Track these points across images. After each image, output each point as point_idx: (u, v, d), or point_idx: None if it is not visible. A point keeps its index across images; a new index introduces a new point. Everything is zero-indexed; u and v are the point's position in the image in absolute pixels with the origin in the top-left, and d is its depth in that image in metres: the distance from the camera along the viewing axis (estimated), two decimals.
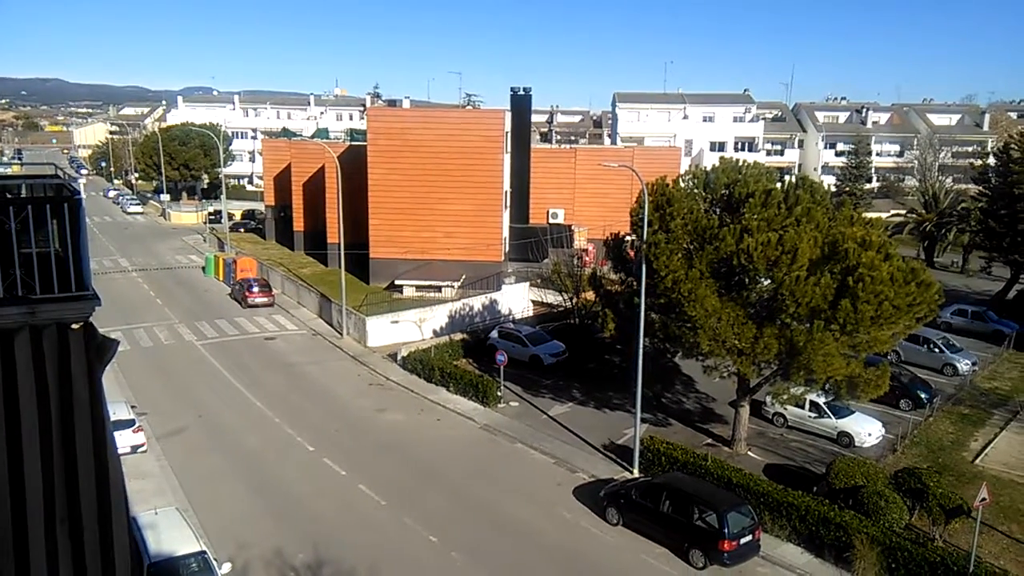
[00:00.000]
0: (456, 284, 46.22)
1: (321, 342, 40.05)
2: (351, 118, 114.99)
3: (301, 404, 31.14)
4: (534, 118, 69.53)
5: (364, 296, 43.18)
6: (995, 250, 49.69)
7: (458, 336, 38.15)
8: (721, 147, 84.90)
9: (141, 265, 58.15)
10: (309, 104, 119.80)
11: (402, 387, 33.34)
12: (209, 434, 28.00)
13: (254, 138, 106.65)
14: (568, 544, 21.16)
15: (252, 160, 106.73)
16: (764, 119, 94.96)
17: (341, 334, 40.41)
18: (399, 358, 35.93)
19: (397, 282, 46.87)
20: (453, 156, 46.73)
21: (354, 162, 49.24)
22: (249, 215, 78.71)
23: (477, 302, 42.77)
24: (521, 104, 53.69)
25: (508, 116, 50.23)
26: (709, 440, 27.87)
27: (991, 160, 53.23)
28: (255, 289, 46.37)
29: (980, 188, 52.30)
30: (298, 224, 61.24)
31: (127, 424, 25.32)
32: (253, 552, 20.10)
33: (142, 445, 25.59)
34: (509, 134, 49.65)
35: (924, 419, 29.41)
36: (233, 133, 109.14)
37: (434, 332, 39.79)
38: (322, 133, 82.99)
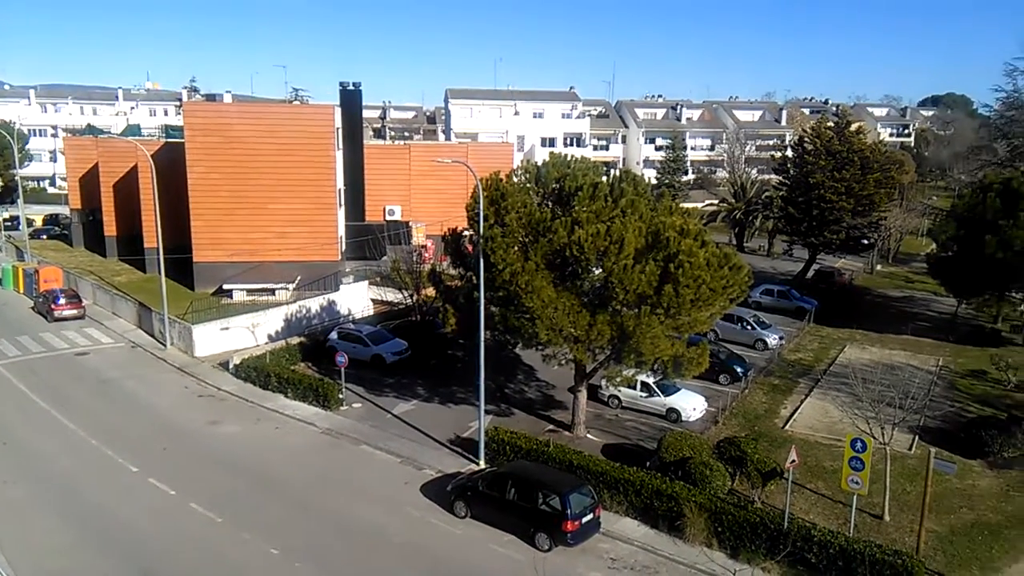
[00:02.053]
0: (291, 286, 44.58)
1: (142, 355, 37.22)
2: (166, 113, 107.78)
3: (121, 423, 28.80)
4: (366, 114, 68.31)
5: (189, 303, 40.56)
6: (795, 234, 54.97)
7: (295, 340, 36.86)
8: (551, 143, 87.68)
9: None
10: (117, 99, 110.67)
11: (236, 397, 31.73)
12: (14, 462, 25.25)
13: (55, 136, 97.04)
14: (417, 541, 21.07)
15: (54, 160, 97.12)
16: (590, 116, 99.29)
17: (164, 345, 37.77)
18: (231, 366, 34.16)
19: (226, 286, 44.47)
20: (282, 153, 45.03)
21: (171, 160, 46.14)
22: (52, 220, 72.03)
23: (314, 303, 41.47)
24: (352, 99, 52.56)
25: (338, 111, 49.06)
26: (551, 426, 28.76)
27: (789, 152, 58.50)
28: (62, 301, 42.43)
29: (780, 178, 57.43)
30: (110, 229, 56.61)
31: None
32: None
33: None
34: (340, 130, 48.51)
35: (741, 391, 32.00)
36: (29, 131, 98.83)
37: (269, 337, 38.14)
38: (133, 130, 77.20)
